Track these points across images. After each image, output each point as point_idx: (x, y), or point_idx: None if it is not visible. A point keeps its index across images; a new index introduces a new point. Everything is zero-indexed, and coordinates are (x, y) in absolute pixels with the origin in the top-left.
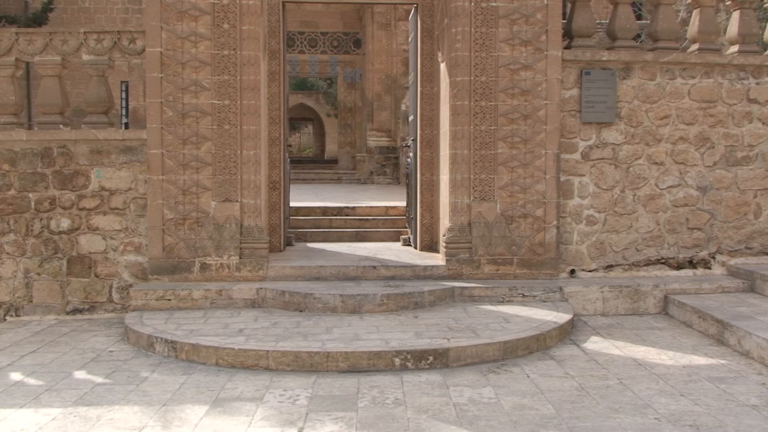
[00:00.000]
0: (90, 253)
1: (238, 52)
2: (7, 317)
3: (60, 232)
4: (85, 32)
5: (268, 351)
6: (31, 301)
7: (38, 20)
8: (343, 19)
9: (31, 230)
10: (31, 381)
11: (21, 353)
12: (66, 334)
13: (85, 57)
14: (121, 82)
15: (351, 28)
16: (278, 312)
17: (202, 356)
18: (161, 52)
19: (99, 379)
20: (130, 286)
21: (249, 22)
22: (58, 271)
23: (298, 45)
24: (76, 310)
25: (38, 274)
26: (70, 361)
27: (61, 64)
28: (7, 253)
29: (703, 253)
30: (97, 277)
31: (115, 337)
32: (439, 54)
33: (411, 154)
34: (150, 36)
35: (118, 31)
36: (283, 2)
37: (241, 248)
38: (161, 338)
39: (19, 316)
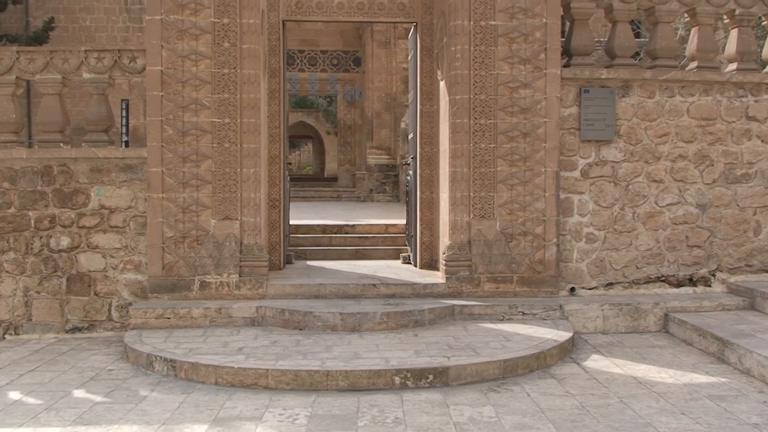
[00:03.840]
0: (90, 271)
1: (239, 71)
2: (6, 336)
3: (60, 251)
4: (85, 51)
5: (267, 370)
6: (31, 320)
7: (39, 39)
8: (342, 38)
9: (31, 248)
10: (30, 400)
11: (20, 372)
12: (65, 353)
13: (86, 75)
14: (122, 100)
15: (351, 46)
16: (278, 330)
17: (201, 375)
18: (162, 71)
19: (98, 398)
20: (130, 304)
21: (249, 41)
22: (57, 290)
23: (298, 63)
24: (75, 329)
25: (38, 292)
26: (70, 380)
27: (62, 83)
28: (7, 272)
29: (703, 271)
30: (96, 295)
31: (114, 356)
32: (439, 72)
33: (411, 172)
34: (150, 54)
35: (118, 50)
36: (283, 21)
37: (240, 266)
38: (160, 357)
39: (18, 334)
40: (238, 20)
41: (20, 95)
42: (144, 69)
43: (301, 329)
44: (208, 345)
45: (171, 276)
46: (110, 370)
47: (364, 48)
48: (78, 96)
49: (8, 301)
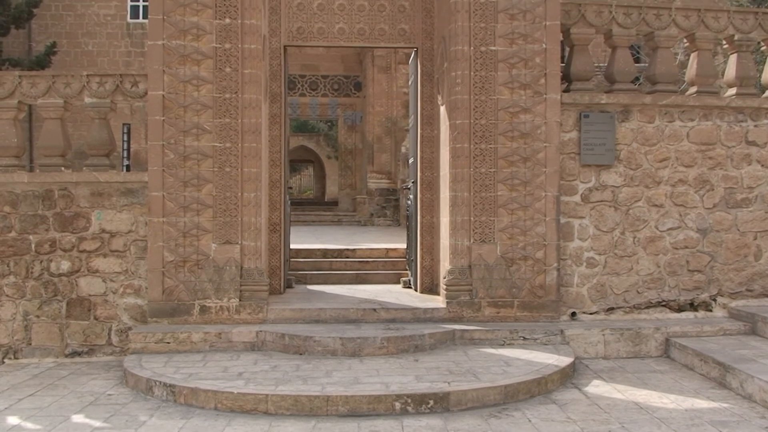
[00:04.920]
0: (90, 295)
1: (240, 96)
2: (5, 360)
3: (60, 275)
4: (87, 75)
5: (267, 395)
6: (30, 344)
7: (41, 63)
8: (343, 63)
9: (31, 272)
10: (29, 425)
11: (19, 396)
12: (64, 377)
13: (88, 100)
14: (123, 124)
15: (352, 71)
16: (278, 355)
17: (200, 400)
18: (163, 96)
19: (97, 423)
20: (130, 328)
21: (251, 66)
22: (57, 314)
23: (299, 88)
24: (75, 353)
25: (37, 316)
26: (69, 405)
27: (64, 107)
28: (7, 296)
29: (704, 296)
30: (96, 319)
31: (113, 381)
32: (439, 97)
33: (411, 197)
34: (152, 79)
35: (120, 75)
36: (284, 46)
37: (241, 291)
38: (160, 382)
39: (17, 358)
40: (239, 45)
41: (22, 119)
42: (146, 93)
43: (301, 354)
44: (207, 370)
45: (171, 300)
46: (110, 394)
47: (364, 73)
48: (80, 120)
49: (8, 325)
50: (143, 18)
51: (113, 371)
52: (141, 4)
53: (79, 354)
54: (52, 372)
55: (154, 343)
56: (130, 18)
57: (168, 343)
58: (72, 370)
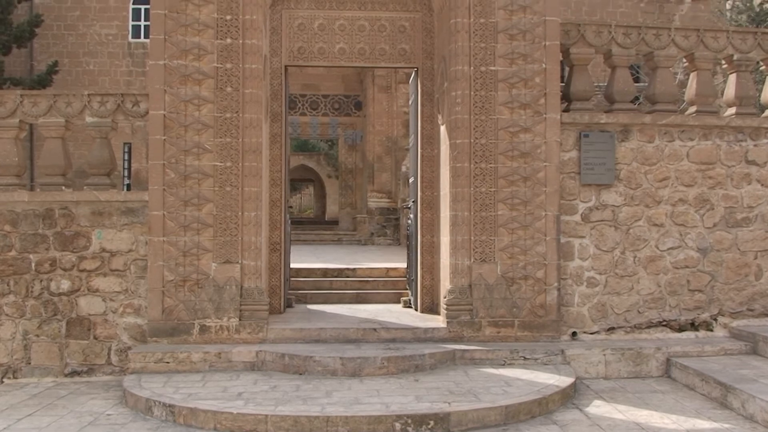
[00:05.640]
0: (89, 314)
1: (241, 115)
2: (4, 379)
3: (60, 294)
4: (88, 94)
5: (266, 415)
6: (29, 363)
7: (43, 82)
8: (344, 82)
9: (31, 292)
10: None
11: (17, 416)
12: (64, 397)
13: (89, 119)
14: (124, 143)
15: (352, 90)
16: (278, 375)
17: (200, 420)
18: (164, 115)
19: None
20: (129, 348)
21: (252, 86)
22: (57, 333)
23: (299, 107)
24: (74, 373)
25: (37, 335)
26: (68, 425)
27: (65, 126)
28: (7, 315)
29: (705, 315)
30: (96, 339)
31: (113, 400)
32: (439, 116)
33: (411, 216)
34: (153, 99)
35: (121, 94)
36: (285, 66)
37: (241, 310)
38: (159, 402)
39: (16, 378)
40: (240, 66)
41: (23, 138)
42: (147, 113)
43: (301, 374)
44: (207, 390)
45: (171, 320)
46: (109, 414)
47: (365, 92)
48: (81, 139)
49: (7, 344)
50: (144, 38)
51: (113, 391)
52: (142, 24)
53: (78, 373)
54: (51, 392)
55: (153, 363)
56: (132, 38)
57: (167, 362)
58: (71, 389)
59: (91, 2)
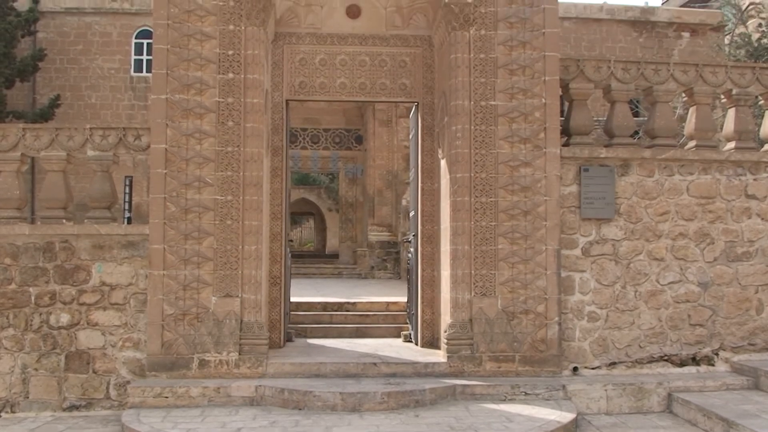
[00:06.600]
0: (89, 348)
1: (242, 149)
2: (2, 413)
3: (59, 327)
4: (90, 128)
5: None
6: (28, 397)
7: (45, 115)
8: (345, 116)
9: (31, 325)
10: None
11: None
12: None
13: (90, 153)
14: (125, 176)
15: (353, 124)
16: (277, 410)
17: None
18: (166, 149)
19: None
20: (128, 382)
21: (253, 120)
22: (56, 367)
23: (300, 141)
24: (72, 407)
25: (36, 369)
26: None
27: (66, 160)
28: (6, 348)
29: (706, 350)
30: (95, 373)
31: None
32: (440, 151)
33: (412, 250)
34: (155, 133)
35: (123, 128)
36: (286, 100)
37: (240, 344)
38: None
39: (14, 412)
40: (242, 100)
41: (24, 171)
42: (148, 146)
43: (300, 409)
44: (205, 425)
45: (170, 354)
46: None
47: (366, 126)
48: (82, 172)
49: (6, 378)
50: (146, 72)
51: (111, 426)
52: (144, 58)
53: (77, 408)
54: (50, 426)
55: (152, 398)
56: (134, 72)
57: (166, 397)
58: (69, 424)
59: (94, 36)
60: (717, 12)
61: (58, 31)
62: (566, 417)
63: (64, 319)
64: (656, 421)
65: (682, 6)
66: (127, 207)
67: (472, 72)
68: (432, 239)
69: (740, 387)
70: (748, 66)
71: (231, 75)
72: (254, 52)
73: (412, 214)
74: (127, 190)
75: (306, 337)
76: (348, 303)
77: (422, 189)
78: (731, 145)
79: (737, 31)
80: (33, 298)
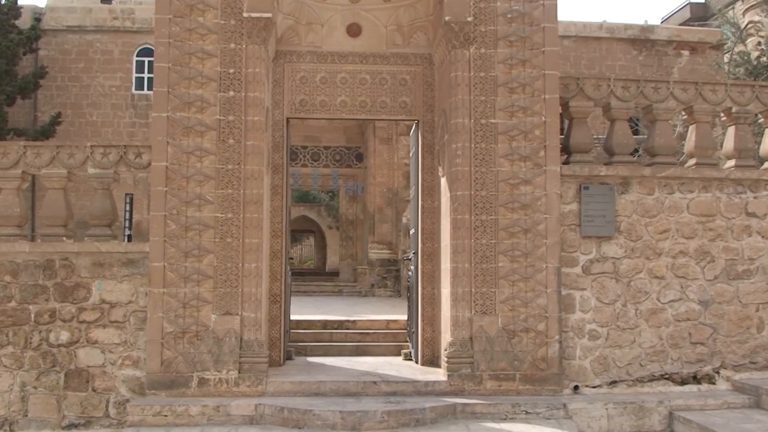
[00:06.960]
0: (88, 366)
1: (242, 167)
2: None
3: (59, 345)
4: (91, 146)
5: None
6: (27, 416)
7: (46, 133)
8: (345, 134)
9: (30, 343)
10: None
11: None
12: None
13: (91, 170)
14: (126, 194)
15: (353, 142)
16: (277, 429)
17: None
18: (167, 167)
19: None
20: (127, 400)
21: (253, 138)
22: (55, 385)
23: (301, 158)
24: (71, 425)
25: (35, 387)
26: None
27: (67, 177)
28: (5, 366)
29: (707, 368)
30: (94, 391)
31: None
32: (440, 168)
33: (412, 267)
34: (156, 150)
35: (124, 146)
36: (287, 118)
37: (240, 362)
38: None
39: (13, 430)
40: (243, 118)
41: (25, 189)
42: (149, 164)
43: (300, 428)
44: None
45: (169, 372)
46: None
47: (366, 144)
48: (82, 190)
49: (4, 396)
50: (148, 89)
51: None
52: (146, 75)
53: (76, 426)
54: None
55: (151, 416)
56: (135, 89)
57: (166, 416)
58: None
59: (96, 54)
60: (716, 30)
61: (60, 48)
62: None
63: (64, 336)
64: None
65: (681, 24)
66: (127, 224)
67: (472, 90)
68: (432, 257)
69: (741, 405)
70: (748, 84)
71: (232, 93)
72: (255, 70)
73: (412, 231)
74: (128, 208)
75: (306, 355)
76: (348, 321)
77: (422, 207)
78: (731, 163)
79: (736, 50)
80: (33, 315)
